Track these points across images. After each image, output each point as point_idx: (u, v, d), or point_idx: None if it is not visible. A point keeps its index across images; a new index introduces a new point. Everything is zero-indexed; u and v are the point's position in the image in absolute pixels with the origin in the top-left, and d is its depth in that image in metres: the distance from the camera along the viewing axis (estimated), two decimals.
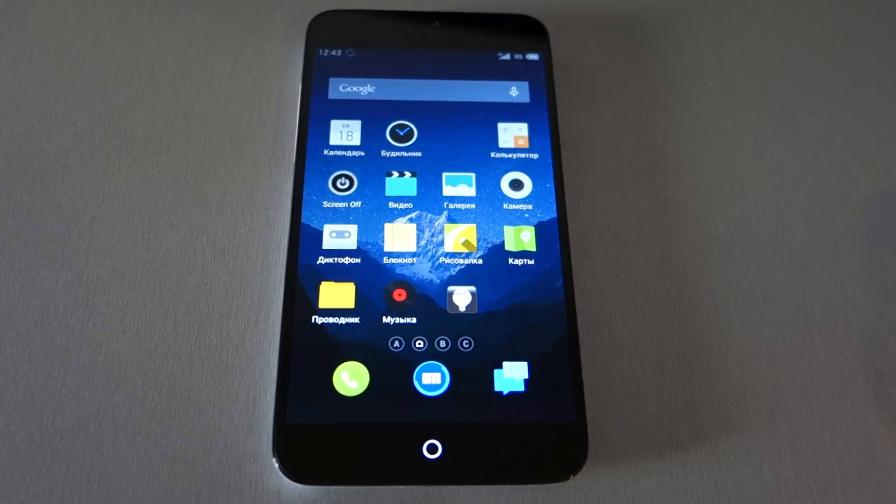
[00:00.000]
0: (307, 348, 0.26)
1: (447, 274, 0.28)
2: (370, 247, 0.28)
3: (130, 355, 0.27)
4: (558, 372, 0.26)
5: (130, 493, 0.25)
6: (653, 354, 0.28)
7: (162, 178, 0.30)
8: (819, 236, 0.30)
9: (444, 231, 0.28)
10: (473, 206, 0.29)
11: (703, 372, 0.27)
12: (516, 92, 0.31)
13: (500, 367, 0.26)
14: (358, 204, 0.29)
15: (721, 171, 0.31)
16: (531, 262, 0.28)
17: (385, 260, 0.28)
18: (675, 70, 0.34)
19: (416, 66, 0.31)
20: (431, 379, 0.26)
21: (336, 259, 0.28)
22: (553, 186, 0.29)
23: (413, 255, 0.28)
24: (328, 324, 0.26)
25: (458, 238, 0.28)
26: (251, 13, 0.34)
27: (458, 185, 0.29)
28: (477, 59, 0.32)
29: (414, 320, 0.27)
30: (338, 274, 0.27)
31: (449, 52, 0.32)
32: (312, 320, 0.26)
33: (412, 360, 0.26)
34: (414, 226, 0.28)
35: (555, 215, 0.29)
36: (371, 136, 0.30)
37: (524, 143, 0.30)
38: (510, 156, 0.30)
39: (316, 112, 0.30)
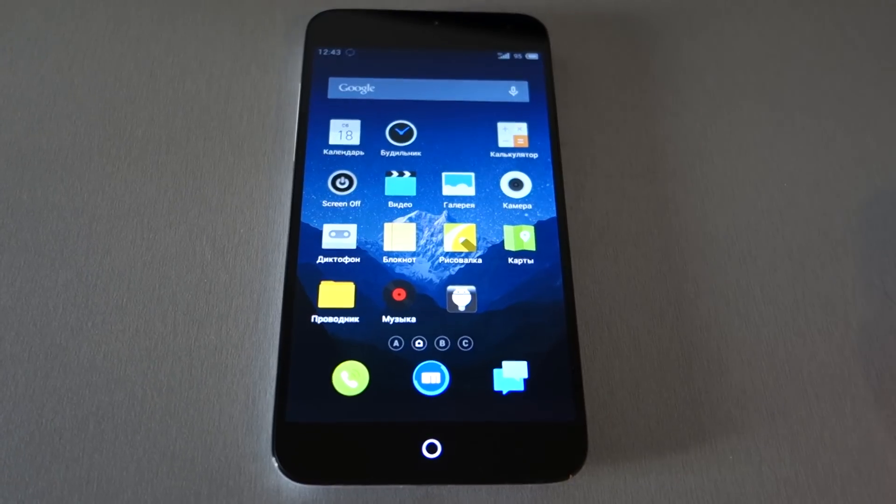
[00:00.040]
0: (307, 348, 0.26)
1: (447, 273, 0.27)
2: (370, 246, 0.28)
3: (130, 355, 0.27)
4: (558, 371, 0.26)
5: (130, 493, 0.25)
6: (653, 354, 0.28)
7: (161, 177, 0.30)
8: (819, 236, 0.30)
9: (443, 230, 0.28)
10: (473, 205, 0.29)
11: (703, 372, 0.27)
12: (516, 91, 0.31)
13: (500, 366, 0.26)
14: (357, 203, 0.29)
15: (721, 171, 0.31)
16: (531, 261, 0.28)
17: (384, 259, 0.28)
18: (675, 70, 0.34)
19: (416, 66, 0.31)
20: (431, 378, 0.26)
21: (335, 258, 0.28)
22: (553, 186, 0.29)
23: (412, 254, 0.28)
24: (328, 323, 0.26)
25: (458, 237, 0.28)
26: (251, 13, 0.34)
27: (458, 185, 0.29)
28: (476, 58, 0.32)
29: (413, 320, 0.27)
30: (337, 273, 0.27)
31: (448, 51, 0.32)
32: (312, 320, 0.26)
33: (412, 360, 0.26)
34: (413, 225, 0.28)
35: (554, 215, 0.29)
36: (370, 135, 0.30)
37: (524, 143, 0.30)
38: (510, 155, 0.30)
39: (315, 111, 0.30)
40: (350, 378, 0.25)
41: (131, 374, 0.26)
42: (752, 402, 0.27)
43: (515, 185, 0.29)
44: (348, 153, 0.30)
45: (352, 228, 0.28)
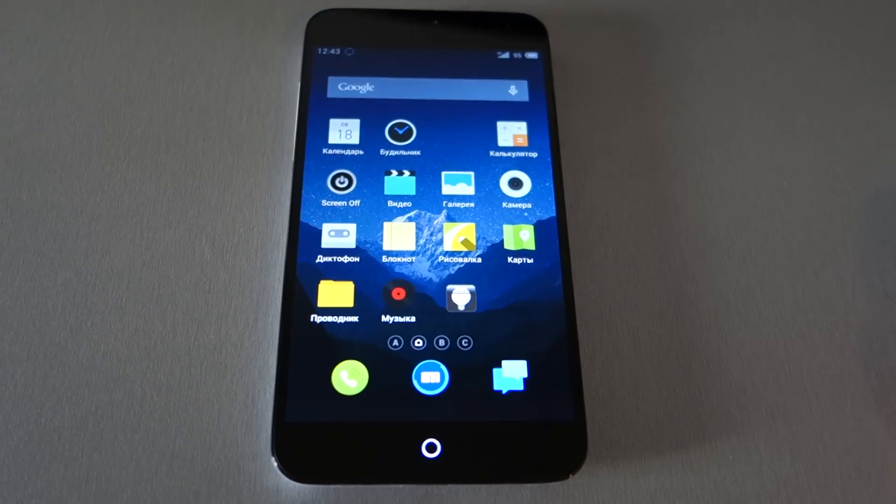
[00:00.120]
0: (306, 347, 0.26)
1: (446, 273, 0.27)
2: (369, 245, 0.28)
3: (129, 354, 0.27)
4: (558, 371, 0.26)
5: (129, 492, 0.25)
6: (652, 354, 0.28)
7: (161, 176, 0.30)
8: (819, 236, 0.30)
9: (443, 230, 0.28)
10: (472, 204, 0.29)
11: (703, 371, 0.27)
12: (515, 90, 0.31)
13: (500, 365, 0.26)
14: (357, 203, 0.29)
15: (721, 171, 0.31)
16: (530, 260, 0.28)
17: (384, 259, 0.28)
18: (675, 70, 0.34)
19: (415, 65, 0.31)
20: (430, 378, 0.26)
21: (335, 258, 0.28)
22: (552, 185, 0.29)
23: (412, 253, 0.28)
24: (327, 322, 0.26)
25: (458, 237, 0.28)
26: (250, 12, 0.34)
27: (458, 184, 0.29)
28: (476, 57, 0.32)
29: (413, 319, 0.27)
30: (337, 273, 0.27)
31: (448, 50, 0.32)
32: (311, 319, 0.26)
33: (411, 359, 0.26)
34: (413, 224, 0.28)
35: (554, 214, 0.29)
36: (370, 134, 0.30)
37: (523, 142, 0.30)
38: (509, 154, 0.30)
39: (315, 111, 0.30)
40: (349, 377, 0.25)
41: (130, 373, 0.26)
42: (752, 402, 0.27)
43: (515, 184, 0.29)
44: (348, 152, 0.30)
45: (351, 228, 0.28)
